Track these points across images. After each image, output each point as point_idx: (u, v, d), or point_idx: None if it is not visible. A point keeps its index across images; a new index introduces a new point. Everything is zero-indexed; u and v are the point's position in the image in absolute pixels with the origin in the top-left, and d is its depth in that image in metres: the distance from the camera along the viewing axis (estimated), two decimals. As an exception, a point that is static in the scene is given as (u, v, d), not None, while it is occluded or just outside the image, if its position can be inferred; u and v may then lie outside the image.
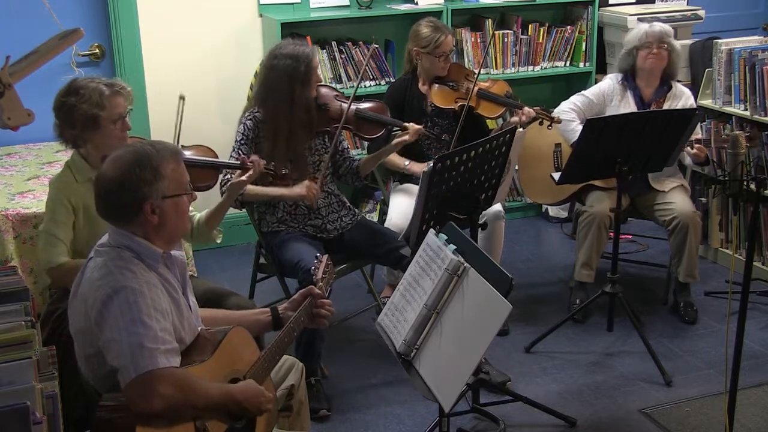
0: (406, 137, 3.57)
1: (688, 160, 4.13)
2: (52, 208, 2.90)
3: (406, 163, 3.98)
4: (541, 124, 3.96)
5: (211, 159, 3.21)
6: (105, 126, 2.85)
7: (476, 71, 4.01)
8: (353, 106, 3.56)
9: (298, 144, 3.48)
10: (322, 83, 3.67)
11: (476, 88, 3.93)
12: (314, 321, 2.51)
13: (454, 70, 4.04)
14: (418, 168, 3.91)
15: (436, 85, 4.02)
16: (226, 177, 3.31)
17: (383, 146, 3.65)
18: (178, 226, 2.23)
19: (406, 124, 3.60)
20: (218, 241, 3.23)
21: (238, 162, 3.18)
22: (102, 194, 2.17)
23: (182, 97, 2.98)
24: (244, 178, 3.09)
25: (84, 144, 2.90)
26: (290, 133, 3.45)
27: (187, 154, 3.16)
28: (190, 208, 3.09)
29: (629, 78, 4.15)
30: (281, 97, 3.43)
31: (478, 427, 3.27)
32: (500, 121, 4.57)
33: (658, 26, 4.07)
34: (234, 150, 3.48)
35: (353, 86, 4.72)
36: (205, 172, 3.17)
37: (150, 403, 1.98)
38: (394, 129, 3.73)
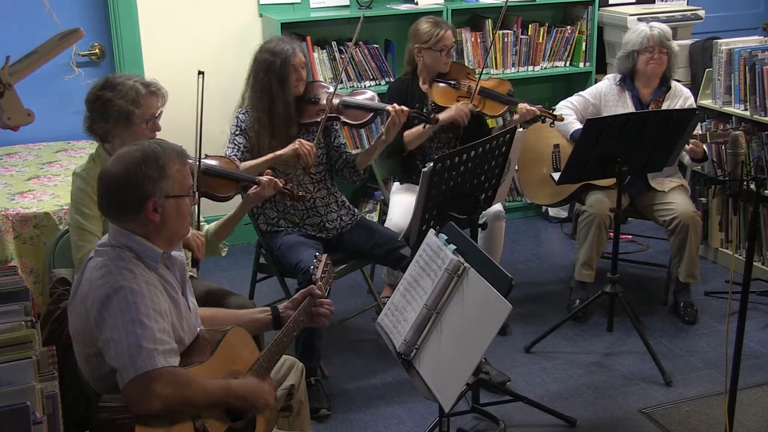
0: (394, 120, 3.51)
1: (687, 159, 4.13)
2: (79, 199, 2.88)
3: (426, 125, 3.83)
4: (543, 122, 3.95)
5: (232, 171, 3.22)
6: (137, 124, 2.85)
7: (477, 70, 4.00)
8: (338, 97, 3.57)
9: (282, 139, 3.48)
10: (316, 81, 3.67)
11: (478, 87, 3.92)
12: (314, 321, 2.51)
13: (455, 69, 4.04)
14: (445, 115, 3.81)
15: (438, 83, 4.01)
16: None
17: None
18: (178, 227, 2.23)
19: (389, 106, 3.54)
20: (223, 255, 3.23)
21: (257, 178, 3.19)
22: (106, 190, 2.18)
23: (201, 72, 2.95)
24: (258, 192, 3.13)
25: (112, 139, 2.90)
26: (271, 126, 3.48)
27: (212, 163, 3.20)
28: (202, 220, 3.12)
29: (627, 79, 4.14)
30: (260, 89, 3.49)
31: (478, 427, 3.27)
32: (500, 120, 4.57)
33: (658, 29, 4.03)
34: (230, 141, 3.53)
35: (353, 86, 4.74)
36: (225, 182, 3.19)
37: (148, 403, 1.98)
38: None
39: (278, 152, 3.42)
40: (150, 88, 2.89)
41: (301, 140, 3.43)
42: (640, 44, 4.02)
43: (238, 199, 3.22)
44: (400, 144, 3.91)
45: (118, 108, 2.83)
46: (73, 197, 2.92)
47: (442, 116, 3.81)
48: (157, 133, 2.92)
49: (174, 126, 3.36)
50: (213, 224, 3.15)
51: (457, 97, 3.96)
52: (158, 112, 2.92)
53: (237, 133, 3.53)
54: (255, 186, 3.15)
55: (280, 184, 3.18)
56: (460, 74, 4.02)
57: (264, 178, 3.16)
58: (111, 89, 2.85)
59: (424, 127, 3.84)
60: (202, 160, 3.08)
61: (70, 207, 2.94)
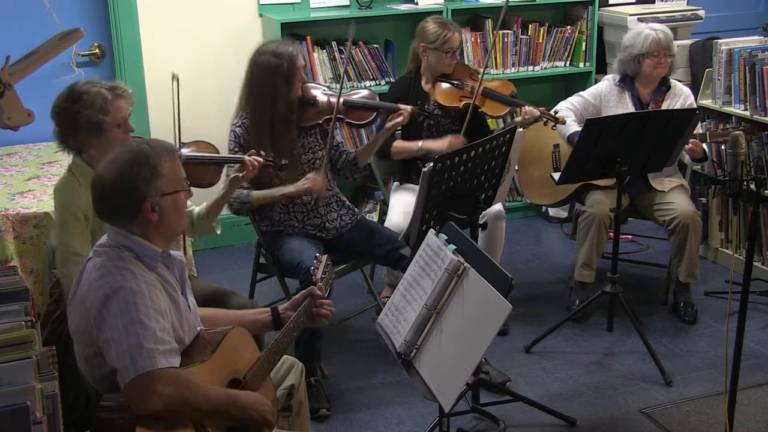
0: (399, 119, 3.55)
1: (687, 158, 4.13)
2: (62, 219, 2.83)
3: (420, 143, 3.93)
4: (545, 124, 3.95)
5: (213, 155, 3.20)
6: (109, 130, 2.81)
7: (481, 70, 4.01)
8: (342, 97, 3.56)
9: (284, 142, 3.48)
10: (310, 82, 3.68)
11: (482, 87, 3.92)
12: (314, 321, 2.52)
13: (459, 69, 4.03)
14: (435, 145, 3.88)
15: (441, 83, 4.00)
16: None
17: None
18: (177, 223, 2.23)
19: (397, 105, 3.54)
20: (218, 233, 3.23)
21: (239, 156, 3.19)
22: (101, 195, 2.17)
23: (175, 77, 2.91)
24: (244, 173, 3.13)
25: (88, 149, 2.85)
26: (273, 130, 3.47)
27: (188, 150, 3.17)
28: (189, 203, 3.11)
29: (627, 80, 4.13)
30: (264, 93, 3.47)
31: (478, 427, 3.27)
32: (501, 121, 4.57)
33: (663, 32, 4.01)
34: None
35: (353, 86, 4.74)
36: (208, 168, 3.17)
37: (149, 403, 1.98)
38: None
39: (290, 189, 3.42)
40: (116, 91, 2.84)
41: (314, 176, 3.43)
42: (647, 48, 3.98)
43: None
44: (388, 148, 3.93)
45: (88, 118, 2.78)
46: (56, 215, 2.88)
47: (431, 145, 3.88)
48: (135, 133, 2.89)
49: (172, 126, 3.35)
50: (202, 206, 3.14)
51: (459, 96, 3.96)
52: (128, 113, 2.87)
53: (236, 150, 3.49)
54: (238, 166, 3.16)
55: (262, 159, 3.17)
56: (463, 74, 4.02)
57: (245, 157, 3.17)
58: (77, 100, 2.79)
59: (419, 146, 3.91)
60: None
61: (56, 226, 2.89)
